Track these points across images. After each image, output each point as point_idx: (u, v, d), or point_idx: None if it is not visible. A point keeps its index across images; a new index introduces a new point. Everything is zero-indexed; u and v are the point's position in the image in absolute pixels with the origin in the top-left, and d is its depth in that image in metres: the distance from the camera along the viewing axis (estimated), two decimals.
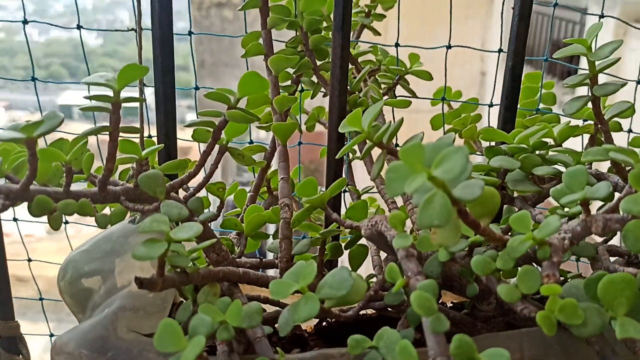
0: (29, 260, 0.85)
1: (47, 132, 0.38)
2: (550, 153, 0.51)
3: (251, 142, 0.66)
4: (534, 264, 0.41)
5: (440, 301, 0.67)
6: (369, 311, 0.60)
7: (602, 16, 0.69)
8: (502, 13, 0.64)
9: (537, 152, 0.52)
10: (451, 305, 0.65)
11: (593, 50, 0.49)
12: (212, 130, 0.47)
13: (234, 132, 0.50)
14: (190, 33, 0.64)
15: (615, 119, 0.59)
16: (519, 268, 0.39)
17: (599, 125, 0.52)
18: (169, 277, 0.42)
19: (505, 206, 0.52)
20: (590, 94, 0.50)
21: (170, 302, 0.48)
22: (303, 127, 0.74)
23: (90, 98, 0.40)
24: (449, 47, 0.68)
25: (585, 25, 5.41)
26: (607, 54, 0.47)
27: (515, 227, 0.39)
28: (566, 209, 0.47)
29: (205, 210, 0.51)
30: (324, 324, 0.61)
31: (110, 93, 0.41)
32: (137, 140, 0.58)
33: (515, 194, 0.52)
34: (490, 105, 0.64)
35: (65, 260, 0.50)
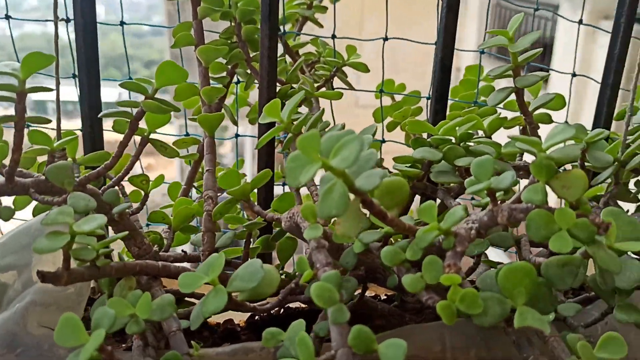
0: None
1: None
2: (474, 145, 0.51)
3: (187, 134, 0.65)
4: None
5: (374, 295, 0.67)
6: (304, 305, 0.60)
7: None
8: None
9: (464, 143, 0.52)
10: (385, 297, 0.65)
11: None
12: (129, 121, 0.46)
13: (156, 123, 0.50)
14: (122, 23, 0.63)
15: (545, 110, 0.59)
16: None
17: (524, 117, 0.52)
18: (76, 270, 0.41)
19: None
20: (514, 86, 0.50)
21: (86, 296, 0.47)
22: (246, 120, 0.73)
23: None
24: (385, 39, 0.68)
25: (557, 22, 5.47)
26: (526, 44, 0.47)
27: (422, 217, 0.38)
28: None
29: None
30: (257, 318, 0.61)
31: (16, 82, 0.40)
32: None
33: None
34: (428, 98, 0.64)
35: None
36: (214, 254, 0.42)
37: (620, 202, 0.60)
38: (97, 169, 0.46)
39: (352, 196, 0.35)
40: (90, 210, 0.41)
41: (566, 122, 0.59)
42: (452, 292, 0.36)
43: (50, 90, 0.41)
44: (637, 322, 0.44)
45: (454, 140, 0.52)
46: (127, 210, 0.46)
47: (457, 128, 0.51)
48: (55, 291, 0.45)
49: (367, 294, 0.61)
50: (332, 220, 0.51)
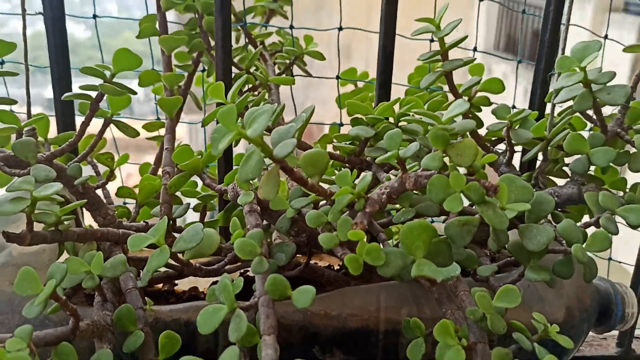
0: None
1: None
2: (406, 124, 0.56)
3: (158, 118, 0.71)
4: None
5: (328, 265, 0.72)
6: None
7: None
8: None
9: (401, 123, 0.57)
10: (338, 267, 0.71)
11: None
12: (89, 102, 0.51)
13: (117, 105, 0.55)
14: (94, 16, 0.68)
15: (484, 93, 0.64)
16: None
17: (455, 98, 0.56)
18: (39, 233, 0.47)
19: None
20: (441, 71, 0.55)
21: (55, 260, 0.53)
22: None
23: None
24: (340, 28, 0.72)
25: (562, 16, 5.46)
26: (448, 30, 0.51)
27: (338, 183, 0.44)
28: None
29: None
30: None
31: None
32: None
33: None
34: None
35: None
36: (161, 220, 0.47)
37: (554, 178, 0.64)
38: (62, 146, 0.52)
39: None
40: (51, 180, 0.46)
41: (504, 105, 0.63)
42: (360, 247, 0.41)
43: (15, 74, 0.46)
44: (544, 279, 0.48)
45: (392, 120, 0.57)
46: (89, 182, 0.51)
47: (394, 108, 0.56)
48: (27, 254, 0.51)
49: (322, 264, 0.66)
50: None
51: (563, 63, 0.50)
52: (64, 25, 0.57)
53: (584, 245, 0.48)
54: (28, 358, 0.33)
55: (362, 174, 0.55)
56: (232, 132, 0.38)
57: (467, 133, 0.51)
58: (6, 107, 0.49)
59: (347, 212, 0.49)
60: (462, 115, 0.67)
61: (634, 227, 0.51)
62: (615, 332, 0.79)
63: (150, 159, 0.73)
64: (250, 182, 0.48)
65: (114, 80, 0.51)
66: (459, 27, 0.53)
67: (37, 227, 0.47)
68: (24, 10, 0.51)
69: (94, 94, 0.52)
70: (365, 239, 0.41)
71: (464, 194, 0.41)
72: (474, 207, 0.44)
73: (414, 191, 0.49)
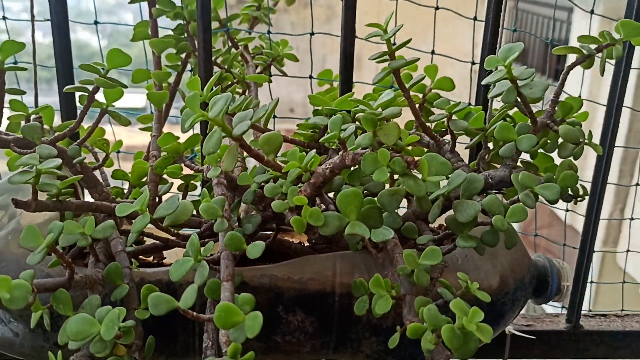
0: None
1: None
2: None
3: (152, 112, 0.80)
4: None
5: (298, 241, 0.81)
6: None
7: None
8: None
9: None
10: (307, 243, 0.79)
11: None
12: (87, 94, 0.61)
13: (112, 97, 0.64)
14: (95, 22, 0.78)
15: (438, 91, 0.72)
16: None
17: (404, 95, 0.65)
18: (43, 201, 0.56)
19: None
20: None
21: None
22: None
23: None
24: (311, 34, 0.81)
25: (572, 24, 5.55)
26: (391, 34, 0.60)
27: (289, 159, 0.52)
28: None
29: None
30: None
31: None
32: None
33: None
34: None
35: None
36: (144, 192, 0.56)
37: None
38: (63, 131, 0.61)
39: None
40: (52, 157, 0.55)
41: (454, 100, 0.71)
42: (304, 210, 0.50)
43: (24, 69, 0.55)
44: (472, 246, 0.57)
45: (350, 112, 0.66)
46: (86, 163, 0.60)
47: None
48: (33, 221, 0.60)
49: (294, 240, 0.75)
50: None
51: (490, 62, 0.59)
52: (68, 28, 0.67)
53: (505, 217, 0.56)
54: (27, 285, 0.41)
55: None
56: (196, 114, 0.47)
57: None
58: (17, 97, 0.59)
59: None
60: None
61: (551, 202, 0.59)
62: (565, 311, 0.87)
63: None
64: (218, 160, 0.57)
65: (108, 76, 0.60)
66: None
67: (41, 197, 0.56)
68: (32, 16, 0.60)
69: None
70: (308, 205, 0.49)
71: (390, 168, 0.49)
72: None
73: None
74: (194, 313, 0.44)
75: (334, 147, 0.64)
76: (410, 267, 0.52)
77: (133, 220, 0.54)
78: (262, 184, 0.56)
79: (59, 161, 0.53)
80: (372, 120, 0.49)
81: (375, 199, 0.52)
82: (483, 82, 0.60)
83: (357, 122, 0.67)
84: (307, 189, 0.50)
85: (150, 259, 0.72)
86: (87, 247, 0.56)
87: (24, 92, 0.58)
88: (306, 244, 0.79)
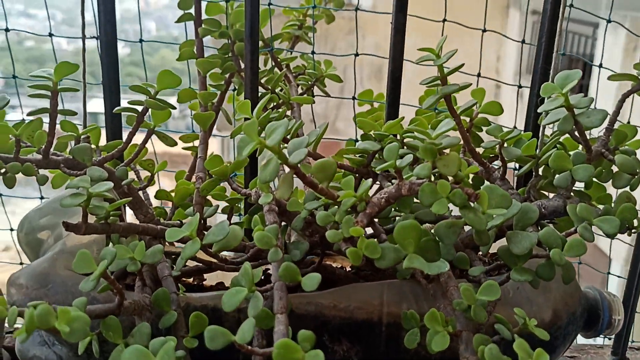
0: None
1: None
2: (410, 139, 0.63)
3: (193, 131, 0.80)
4: None
5: (341, 266, 0.79)
6: None
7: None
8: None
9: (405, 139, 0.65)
10: (350, 268, 0.78)
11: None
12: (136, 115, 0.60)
13: (159, 118, 0.64)
14: (140, 40, 0.78)
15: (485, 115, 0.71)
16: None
17: (454, 119, 0.63)
18: (92, 224, 0.55)
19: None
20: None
21: (102, 248, 0.61)
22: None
23: (35, 87, 0.53)
24: (356, 55, 0.80)
25: (597, 39, 5.49)
26: (444, 60, 0.59)
27: (344, 187, 0.51)
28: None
29: None
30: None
31: (50, 84, 0.54)
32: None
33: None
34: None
35: (23, 217, 0.63)
36: (194, 216, 0.55)
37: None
38: (111, 152, 0.60)
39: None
40: (103, 180, 0.55)
41: (499, 124, 0.70)
42: (360, 241, 0.48)
43: (75, 90, 0.55)
44: (527, 280, 0.55)
45: (398, 137, 0.64)
46: (132, 184, 0.60)
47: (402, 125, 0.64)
48: (79, 245, 0.60)
49: (336, 265, 0.73)
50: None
51: (546, 89, 0.57)
52: (116, 49, 0.67)
53: (563, 251, 0.54)
54: (86, 317, 0.41)
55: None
56: (254, 141, 0.46)
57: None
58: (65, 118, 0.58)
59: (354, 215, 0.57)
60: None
61: (609, 236, 0.57)
62: (611, 342, 0.84)
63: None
64: (270, 186, 0.56)
65: (157, 97, 0.60)
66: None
67: (90, 219, 0.56)
68: (84, 35, 0.60)
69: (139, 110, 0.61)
70: (364, 236, 0.48)
71: (449, 200, 0.48)
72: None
73: (414, 199, 0.56)
74: (249, 347, 0.43)
75: (377, 171, 0.63)
76: (468, 302, 0.50)
77: (175, 242, 0.53)
78: (313, 211, 0.55)
79: (110, 184, 0.52)
80: (432, 151, 0.48)
81: (432, 230, 0.50)
82: (539, 110, 0.58)
83: (404, 147, 0.66)
84: (363, 220, 0.49)
85: (190, 279, 0.72)
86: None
87: (75, 113, 0.57)
88: (348, 268, 0.78)
